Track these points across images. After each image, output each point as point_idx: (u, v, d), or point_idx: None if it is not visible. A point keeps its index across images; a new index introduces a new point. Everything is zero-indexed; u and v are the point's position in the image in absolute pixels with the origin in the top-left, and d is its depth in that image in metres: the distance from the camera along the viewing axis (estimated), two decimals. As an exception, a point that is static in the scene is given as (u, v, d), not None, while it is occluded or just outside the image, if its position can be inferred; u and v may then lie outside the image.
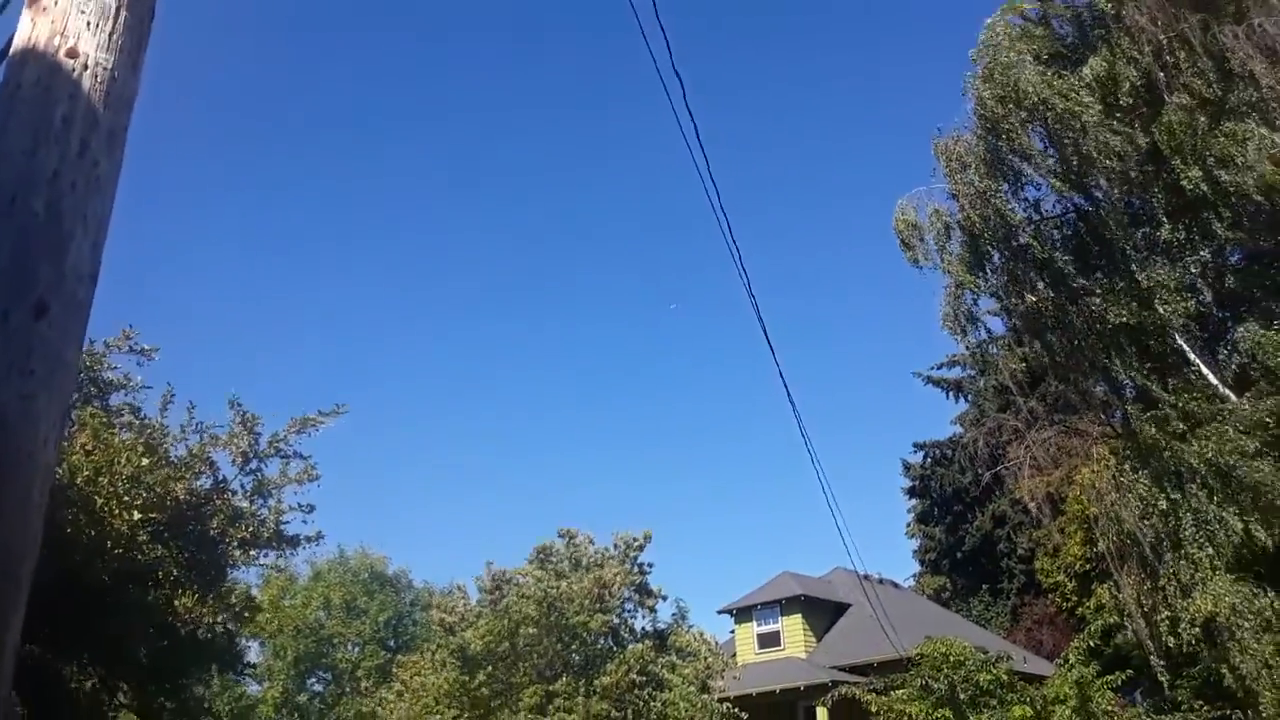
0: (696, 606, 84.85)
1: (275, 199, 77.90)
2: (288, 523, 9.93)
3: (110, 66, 3.53)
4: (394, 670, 26.53)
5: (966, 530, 48.48)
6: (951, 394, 50.52)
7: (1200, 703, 23.26)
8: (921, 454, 51.54)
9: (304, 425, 10.14)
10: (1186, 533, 15.78)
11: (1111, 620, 22.68)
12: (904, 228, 18.57)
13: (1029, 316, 17.92)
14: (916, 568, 55.48)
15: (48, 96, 3.38)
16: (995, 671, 18.81)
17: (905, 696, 18.51)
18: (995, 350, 23.15)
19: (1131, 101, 15.82)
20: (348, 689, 35.55)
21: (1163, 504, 15.97)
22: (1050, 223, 17.92)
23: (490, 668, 21.56)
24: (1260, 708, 16.45)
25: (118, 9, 3.59)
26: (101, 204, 3.47)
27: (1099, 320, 16.54)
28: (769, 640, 36.84)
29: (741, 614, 37.91)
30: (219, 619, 8.44)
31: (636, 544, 23.45)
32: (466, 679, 21.45)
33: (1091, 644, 19.09)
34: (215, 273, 75.68)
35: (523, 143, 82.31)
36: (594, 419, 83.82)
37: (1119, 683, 18.55)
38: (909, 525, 55.06)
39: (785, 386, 14.21)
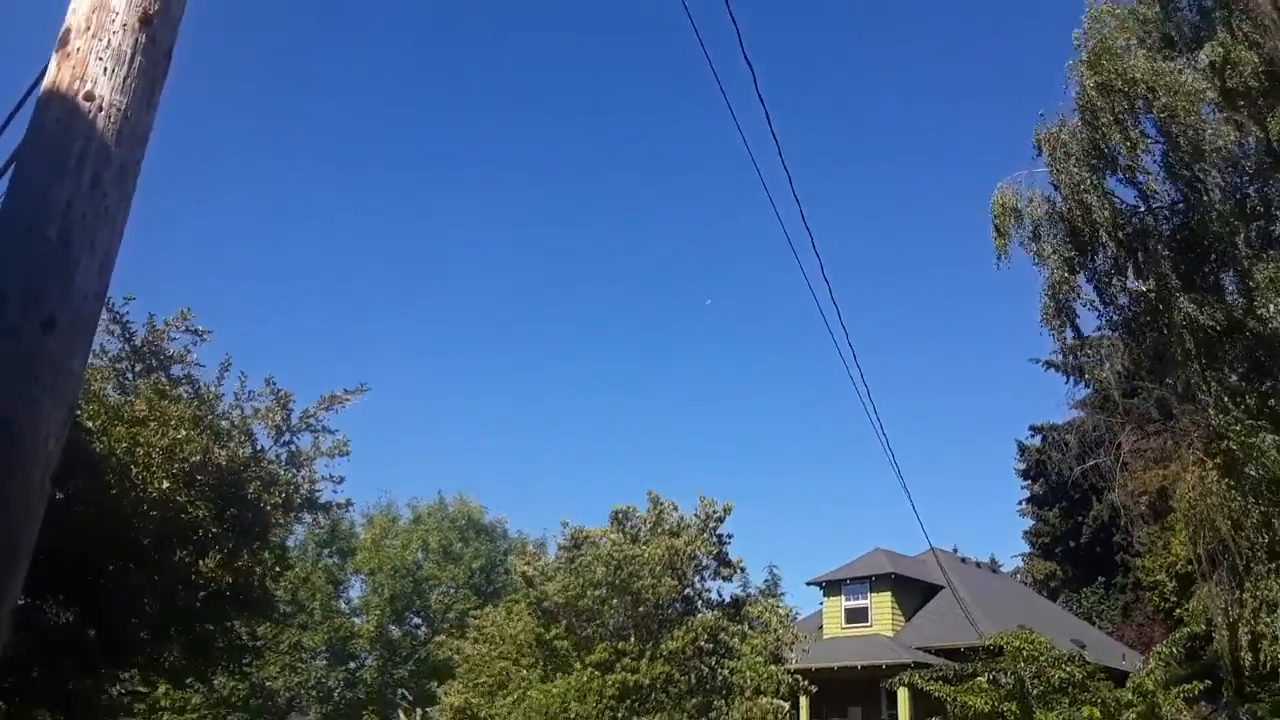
0: (788, 576, 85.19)
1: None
2: (320, 491, 10.82)
3: (124, 107, 3.88)
4: (472, 621, 27.58)
5: (1082, 519, 47.19)
6: (1073, 377, 48.92)
7: (1278, 720, 22.26)
8: (1039, 437, 50.27)
9: (332, 402, 10.98)
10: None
11: (1200, 628, 21.90)
12: (1001, 214, 17.99)
13: (1128, 313, 17.24)
14: (1025, 549, 54.39)
15: (66, 135, 3.76)
16: (1069, 668, 18.40)
17: (971, 688, 18.31)
18: (1096, 347, 22.32)
19: (1250, 88, 14.93)
20: (440, 631, 36.97)
21: (1255, 517, 15.29)
22: (1156, 215, 17.11)
23: (567, 621, 22.37)
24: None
25: (133, 55, 3.93)
26: (110, 231, 3.86)
27: (1199, 318, 15.81)
28: (857, 616, 36.79)
29: (830, 587, 37.90)
30: (256, 572, 9.31)
31: (717, 515, 23.78)
32: (543, 630, 22.32)
33: (1176, 649, 18.47)
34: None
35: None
36: (700, 387, 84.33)
37: (1196, 692, 17.91)
38: (1021, 505, 53.95)
39: (848, 365, 14.14)
